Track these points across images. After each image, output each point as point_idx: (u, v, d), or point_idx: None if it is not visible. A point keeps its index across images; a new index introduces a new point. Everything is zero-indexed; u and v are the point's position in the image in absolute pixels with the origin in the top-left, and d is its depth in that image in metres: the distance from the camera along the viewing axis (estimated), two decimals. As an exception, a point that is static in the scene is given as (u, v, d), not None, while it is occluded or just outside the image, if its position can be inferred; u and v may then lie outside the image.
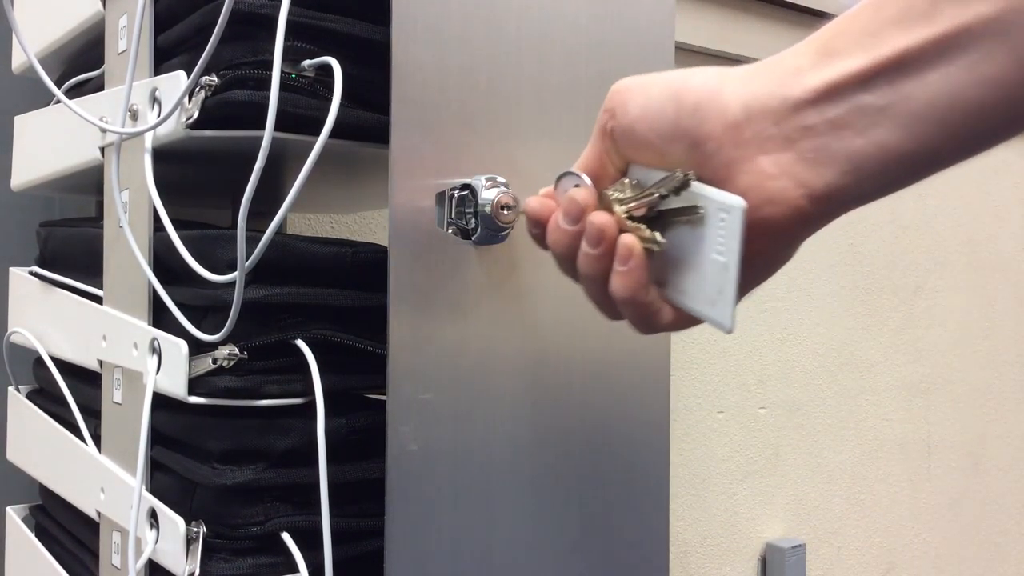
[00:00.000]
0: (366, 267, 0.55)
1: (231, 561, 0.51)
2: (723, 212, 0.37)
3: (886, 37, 0.33)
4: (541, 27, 0.55)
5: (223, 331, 0.49)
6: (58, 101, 0.57)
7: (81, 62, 0.73)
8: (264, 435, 0.52)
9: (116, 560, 0.60)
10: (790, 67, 0.35)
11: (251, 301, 0.50)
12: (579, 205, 0.41)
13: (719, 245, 0.38)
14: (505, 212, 0.50)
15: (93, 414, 0.66)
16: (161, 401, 0.55)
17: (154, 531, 0.55)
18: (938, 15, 0.31)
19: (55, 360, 0.71)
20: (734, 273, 0.37)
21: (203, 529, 0.52)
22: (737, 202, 0.36)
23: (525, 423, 0.55)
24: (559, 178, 0.44)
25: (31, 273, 0.76)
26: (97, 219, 0.70)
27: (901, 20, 0.32)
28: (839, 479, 1.45)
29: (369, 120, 0.53)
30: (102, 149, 0.64)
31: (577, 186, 0.43)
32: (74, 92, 0.71)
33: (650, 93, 0.38)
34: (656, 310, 0.41)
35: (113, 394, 0.62)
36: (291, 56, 0.51)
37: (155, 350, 0.55)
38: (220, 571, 0.51)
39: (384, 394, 0.50)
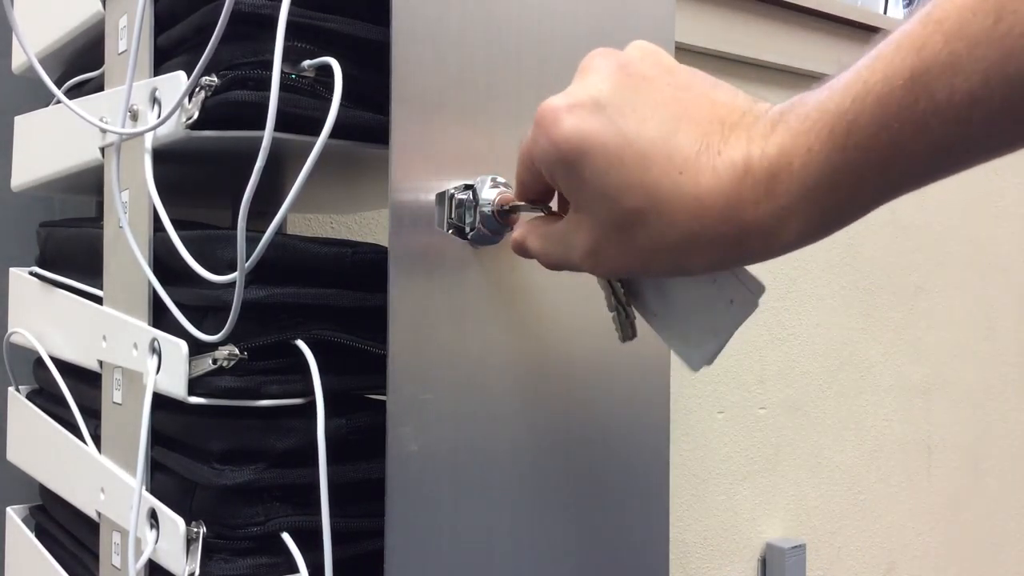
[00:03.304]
0: (366, 267, 0.55)
1: (231, 561, 0.51)
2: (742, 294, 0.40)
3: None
4: (541, 27, 0.55)
5: (223, 331, 0.49)
6: (58, 101, 0.57)
7: (81, 62, 0.73)
8: (264, 435, 0.52)
9: (116, 560, 0.60)
10: (735, 197, 0.35)
11: (251, 301, 0.50)
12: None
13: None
14: (506, 213, 0.50)
15: (93, 414, 0.66)
16: (161, 401, 0.55)
17: (154, 531, 0.55)
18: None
19: (55, 360, 0.71)
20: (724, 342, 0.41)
21: (203, 529, 0.52)
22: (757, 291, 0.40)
23: (525, 423, 0.55)
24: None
25: (31, 273, 0.76)
26: (97, 219, 0.70)
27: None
28: (839, 479, 1.45)
29: (369, 120, 0.53)
30: (102, 149, 0.64)
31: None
32: (74, 92, 0.71)
33: (610, 179, 0.37)
34: None
35: (113, 394, 0.62)
36: (291, 56, 0.51)
37: (155, 350, 0.55)
38: (220, 571, 0.51)
39: (384, 394, 0.50)
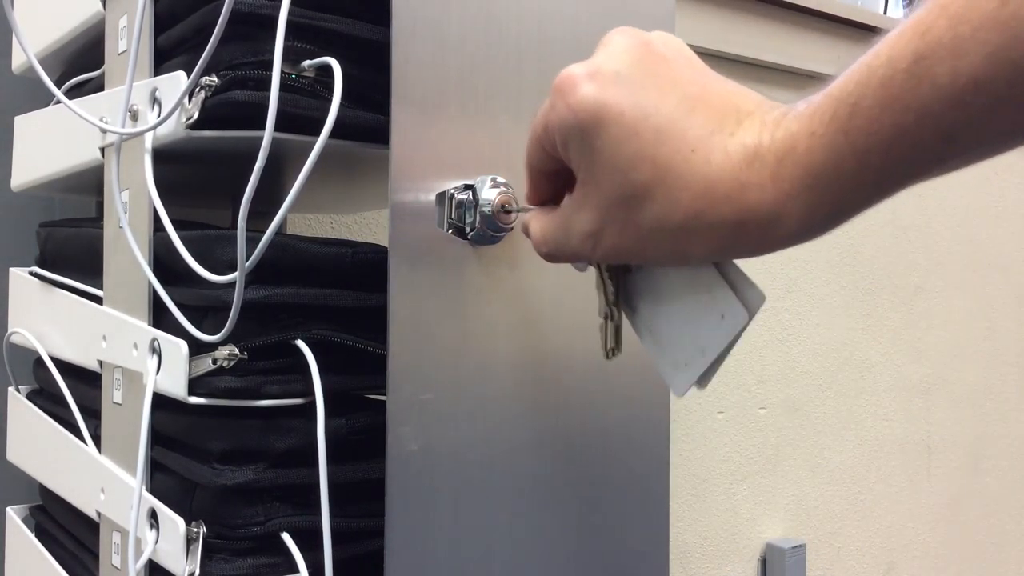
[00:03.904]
0: (366, 267, 0.55)
1: (231, 561, 0.51)
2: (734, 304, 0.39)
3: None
4: (541, 27, 0.55)
5: (223, 331, 0.49)
6: (58, 101, 0.57)
7: (81, 62, 0.73)
8: (264, 435, 0.52)
9: (116, 560, 0.60)
10: (742, 179, 0.35)
11: (251, 301, 0.50)
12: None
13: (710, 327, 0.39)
14: (506, 213, 0.50)
15: (93, 414, 0.66)
16: (161, 401, 0.55)
17: (154, 531, 0.55)
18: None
19: (55, 360, 0.71)
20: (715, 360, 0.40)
21: (203, 529, 0.52)
22: (749, 307, 0.38)
23: (525, 423, 0.55)
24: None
25: (31, 273, 0.76)
26: (97, 219, 0.70)
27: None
28: (839, 479, 1.45)
29: (369, 120, 0.53)
30: (102, 149, 0.64)
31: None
32: (74, 92, 0.71)
33: (623, 149, 0.37)
34: None
35: (113, 394, 0.62)
36: (291, 56, 0.51)
37: (155, 350, 0.55)
38: (220, 571, 0.51)
39: (384, 394, 0.50)
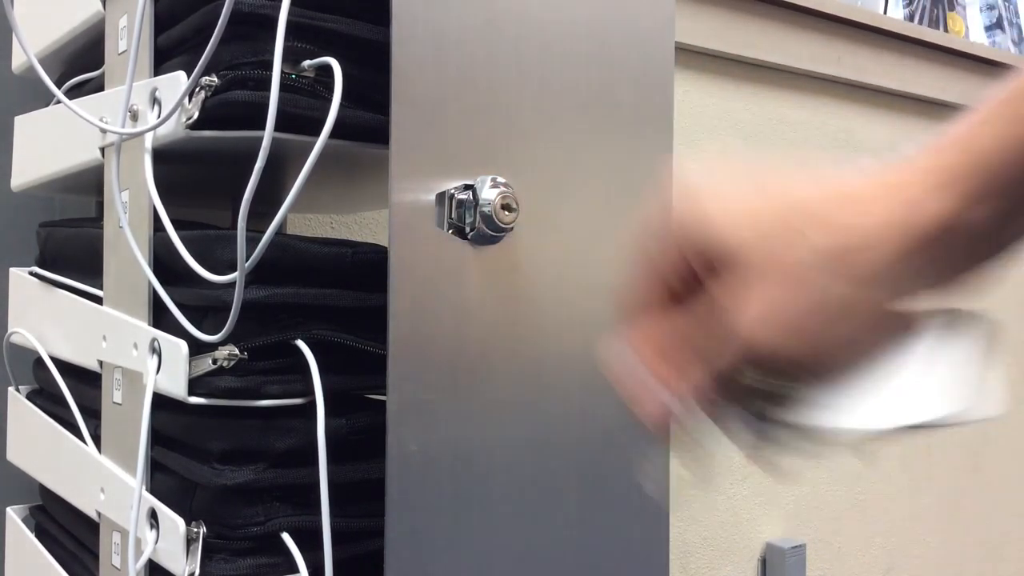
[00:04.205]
0: (366, 267, 0.55)
1: (231, 561, 0.51)
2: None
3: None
4: (541, 27, 0.55)
5: (223, 331, 0.49)
6: (58, 101, 0.57)
7: (81, 62, 0.73)
8: (264, 435, 0.52)
9: (116, 560, 0.60)
10: (901, 185, 0.32)
11: (251, 301, 0.50)
12: None
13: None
14: (506, 212, 0.50)
15: (93, 414, 0.66)
16: (161, 401, 0.55)
17: (154, 531, 0.55)
18: None
19: (55, 360, 0.71)
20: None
21: (203, 529, 0.52)
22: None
23: (525, 423, 0.55)
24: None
25: (31, 273, 0.76)
26: (97, 219, 0.70)
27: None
28: (839, 479, 1.45)
29: (369, 120, 0.53)
30: (102, 149, 0.64)
31: None
32: (74, 92, 0.71)
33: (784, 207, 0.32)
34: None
35: (113, 394, 0.62)
36: (291, 56, 0.51)
37: (155, 350, 0.55)
38: (220, 571, 0.51)
39: (384, 394, 0.51)
